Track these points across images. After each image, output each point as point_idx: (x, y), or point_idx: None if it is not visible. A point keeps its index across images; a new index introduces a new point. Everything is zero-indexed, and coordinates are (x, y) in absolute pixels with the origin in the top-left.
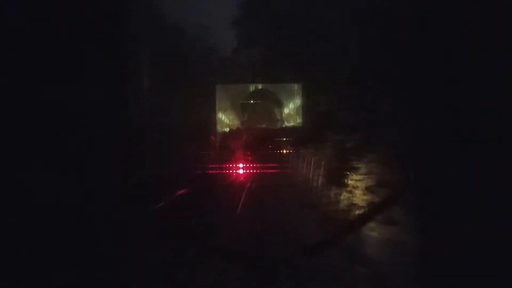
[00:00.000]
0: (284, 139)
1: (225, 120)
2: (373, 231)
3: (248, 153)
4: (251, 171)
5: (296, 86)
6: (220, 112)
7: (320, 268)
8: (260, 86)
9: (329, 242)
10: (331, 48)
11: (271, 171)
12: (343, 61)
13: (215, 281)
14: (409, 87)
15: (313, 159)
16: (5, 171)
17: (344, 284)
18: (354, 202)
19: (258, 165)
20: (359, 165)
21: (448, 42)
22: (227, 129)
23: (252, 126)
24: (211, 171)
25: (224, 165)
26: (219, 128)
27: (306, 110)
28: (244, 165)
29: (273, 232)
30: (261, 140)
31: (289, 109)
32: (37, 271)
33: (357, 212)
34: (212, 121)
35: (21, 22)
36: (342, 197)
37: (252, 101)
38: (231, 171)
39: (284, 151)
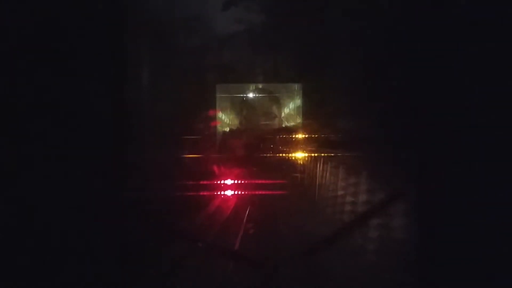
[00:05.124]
0: (300, 136)
1: (225, 119)
2: (373, 231)
3: (244, 166)
4: (247, 192)
5: (296, 86)
6: (220, 112)
7: (320, 268)
8: (260, 86)
9: (329, 242)
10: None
11: (279, 192)
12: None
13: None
14: (410, 87)
15: (340, 168)
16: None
17: (344, 284)
18: None
19: (258, 180)
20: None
21: (449, 41)
22: (227, 129)
23: (252, 125)
24: (176, 192)
25: (208, 180)
26: (219, 128)
27: (307, 109)
28: (236, 181)
29: None
30: (262, 140)
31: (289, 109)
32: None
33: (358, 212)
34: (212, 121)
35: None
36: None
37: (251, 100)
38: (216, 192)
39: (296, 156)
